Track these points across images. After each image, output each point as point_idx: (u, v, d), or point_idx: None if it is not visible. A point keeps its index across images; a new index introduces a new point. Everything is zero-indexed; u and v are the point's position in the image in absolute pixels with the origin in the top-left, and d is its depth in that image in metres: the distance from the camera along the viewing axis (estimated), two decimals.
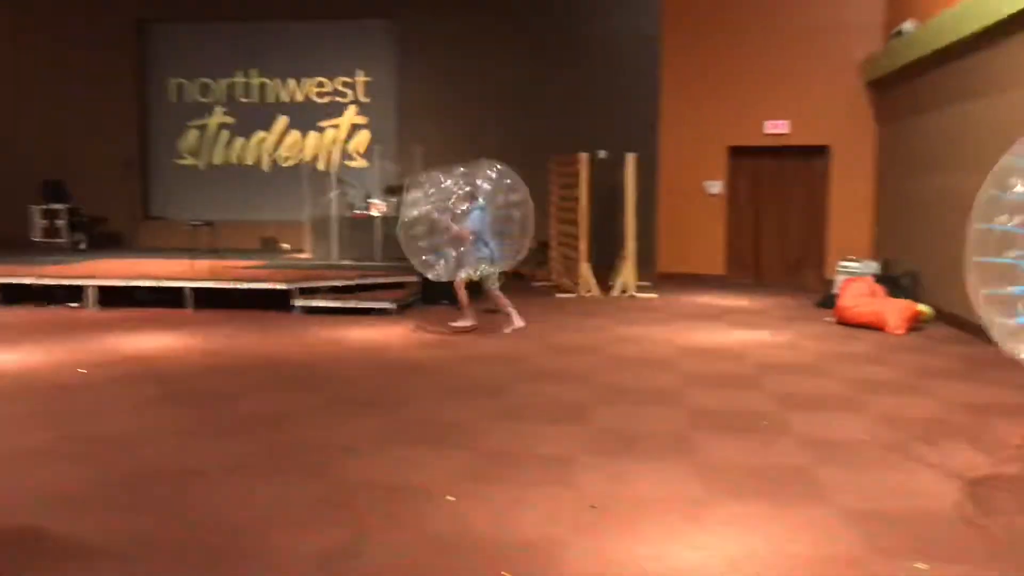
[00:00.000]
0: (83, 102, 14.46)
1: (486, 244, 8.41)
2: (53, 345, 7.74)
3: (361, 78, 14.39)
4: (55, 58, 14.46)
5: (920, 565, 3.27)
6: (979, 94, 8.66)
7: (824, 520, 3.74)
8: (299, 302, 9.64)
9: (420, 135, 13.40)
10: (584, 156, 11.55)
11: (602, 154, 11.78)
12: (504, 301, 8.71)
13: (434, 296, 10.28)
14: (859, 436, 5.05)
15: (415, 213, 8.65)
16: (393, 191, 12.41)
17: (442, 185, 8.64)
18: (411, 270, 10.29)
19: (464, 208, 8.45)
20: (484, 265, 8.46)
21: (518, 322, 8.62)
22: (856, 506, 3.90)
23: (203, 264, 10.78)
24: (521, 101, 13.64)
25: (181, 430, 5.15)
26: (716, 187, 12.94)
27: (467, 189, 8.46)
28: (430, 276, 8.76)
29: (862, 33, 12.24)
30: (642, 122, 13.03)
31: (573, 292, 11.50)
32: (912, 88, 10.77)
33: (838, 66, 12.37)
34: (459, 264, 8.54)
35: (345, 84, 14.44)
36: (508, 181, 8.51)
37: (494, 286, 8.64)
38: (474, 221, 8.37)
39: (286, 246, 13.65)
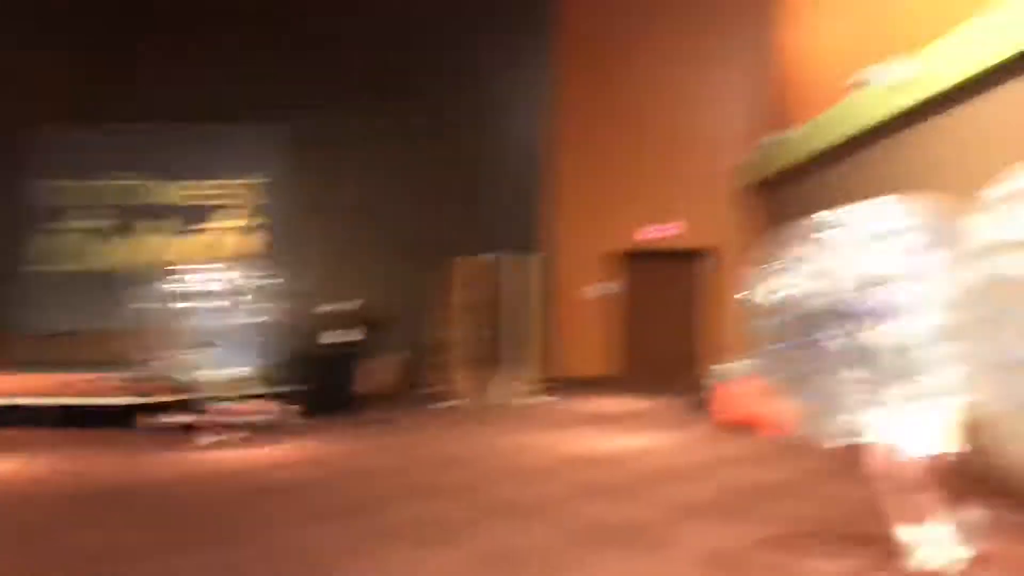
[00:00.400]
0: None
1: None
2: None
3: (247, 180, 13.89)
4: None
5: None
6: (846, 199, 8.88)
7: None
8: (155, 420, 8.84)
9: (309, 239, 12.95)
10: (480, 259, 11.35)
11: (496, 256, 11.62)
12: None
13: (315, 409, 9.66)
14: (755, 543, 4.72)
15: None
16: (281, 295, 11.82)
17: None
18: (290, 380, 9.68)
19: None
20: None
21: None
22: None
23: (49, 379, 9.83)
24: (413, 204, 13.36)
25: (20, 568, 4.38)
26: (607, 289, 12.91)
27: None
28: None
29: (737, 141, 12.70)
30: (532, 223, 12.99)
31: (460, 399, 11.05)
32: (787, 192, 11.09)
33: (717, 171, 12.76)
34: None
35: (229, 187, 13.90)
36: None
37: None
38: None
39: (148, 357, 12.69)
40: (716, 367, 10.80)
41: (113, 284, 13.61)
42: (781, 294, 4.16)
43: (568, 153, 13.09)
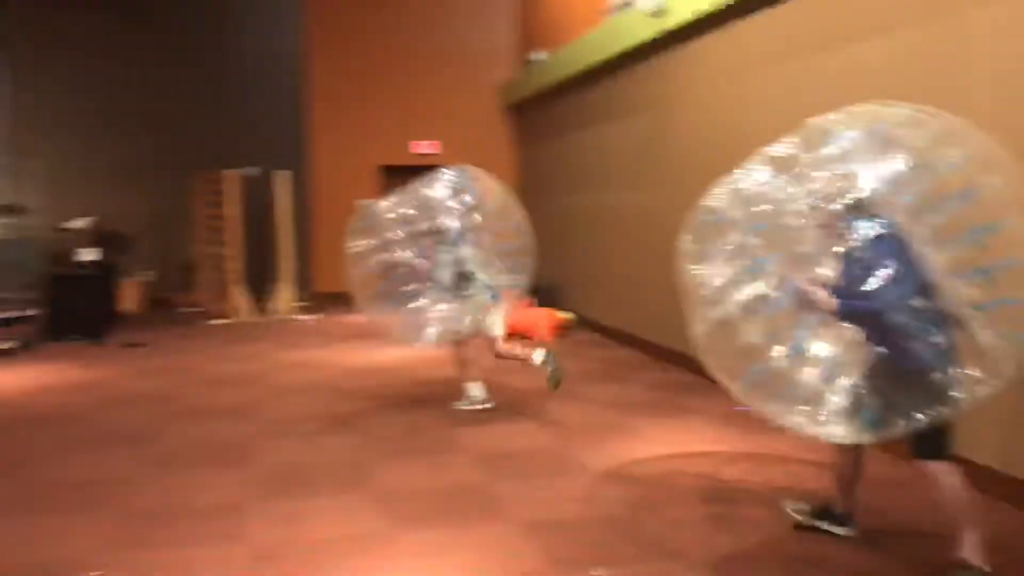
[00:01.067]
0: None
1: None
2: None
3: None
4: None
5: (597, 571, 3.41)
6: (604, 120, 9.56)
7: (507, 538, 3.77)
8: None
9: (37, 150, 11.78)
10: (232, 173, 10.93)
11: (251, 171, 11.23)
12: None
13: (62, 331, 9.07)
14: (529, 446, 5.23)
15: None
16: (5, 211, 10.80)
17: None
18: (34, 302, 9.04)
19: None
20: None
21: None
22: (534, 518, 4.00)
23: None
24: (156, 112, 12.51)
25: None
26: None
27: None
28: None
29: (498, 59, 13.04)
30: (292, 139, 12.66)
31: (227, 317, 10.79)
32: (546, 113, 11.64)
33: (479, 90, 13.05)
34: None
35: None
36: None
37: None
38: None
39: None
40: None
41: None
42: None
43: (325, 66, 12.79)
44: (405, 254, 5.91)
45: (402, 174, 13.20)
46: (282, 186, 11.10)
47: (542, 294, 10.54)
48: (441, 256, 5.84)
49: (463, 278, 5.86)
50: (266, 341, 9.33)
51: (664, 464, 4.87)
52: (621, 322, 9.03)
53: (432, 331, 5.76)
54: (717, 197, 3.62)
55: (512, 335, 9.09)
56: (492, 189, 6.19)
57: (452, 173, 6.05)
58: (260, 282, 11.16)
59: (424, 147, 12.93)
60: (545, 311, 9.53)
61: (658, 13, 7.73)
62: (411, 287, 5.86)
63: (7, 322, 8.87)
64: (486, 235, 6.04)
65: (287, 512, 4.10)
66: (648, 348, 8.24)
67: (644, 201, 8.50)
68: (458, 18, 13.24)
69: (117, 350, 8.72)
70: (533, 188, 12.40)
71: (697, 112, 7.51)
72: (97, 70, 12.32)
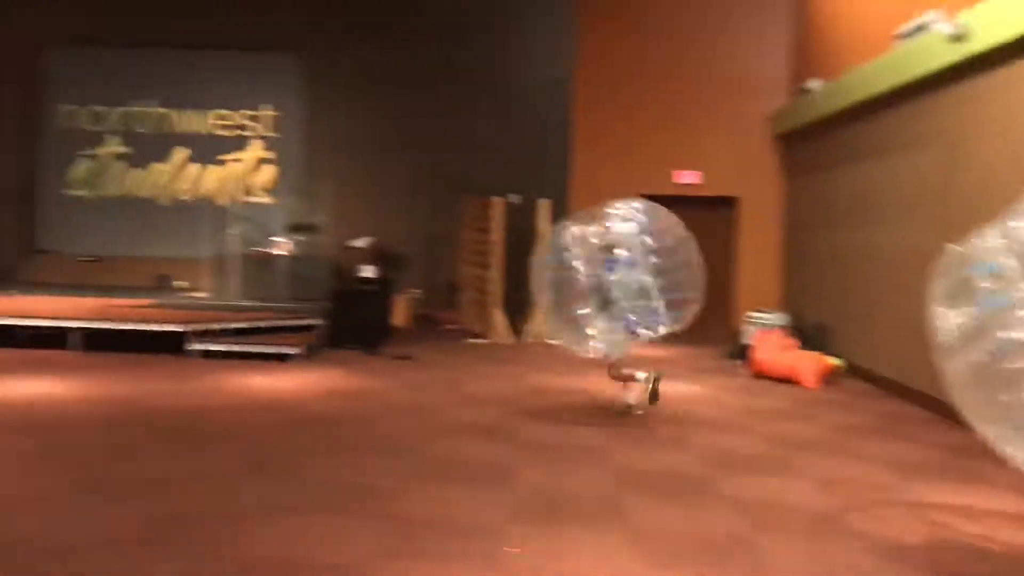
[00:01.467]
0: None
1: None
2: None
3: (267, 112, 13.86)
4: None
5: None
6: (885, 152, 8.87)
7: None
8: (195, 345, 9.02)
9: (328, 171, 13.01)
10: (498, 200, 11.37)
11: (514, 199, 11.62)
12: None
13: (341, 341, 9.85)
14: (797, 502, 4.88)
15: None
16: (298, 229, 11.96)
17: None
18: (318, 313, 9.86)
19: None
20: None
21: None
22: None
23: (91, 303, 10.02)
24: (433, 139, 13.38)
25: (55, 494, 4.55)
26: None
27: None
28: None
29: (769, 88, 12.54)
30: (555, 167, 12.96)
31: (486, 338, 11.20)
32: (819, 144, 11.02)
33: (747, 119, 12.62)
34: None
35: (250, 117, 13.88)
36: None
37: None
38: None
39: (182, 284, 12.89)
40: (752, 316, 10.75)
41: (145, 211, 13.77)
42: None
43: (590, 92, 12.93)
44: (582, 272, 6.44)
45: (663, 204, 13.13)
46: (543, 214, 11.37)
47: (807, 335, 9.94)
48: (607, 279, 6.37)
49: (612, 302, 6.37)
50: (521, 363, 9.55)
51: (952, 539, 4.32)
52: (899, 373, 8.26)
53: (599, 344, 6.46)
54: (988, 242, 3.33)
55: (774, 377, 8.66)
56: (671, 228, 6.61)
57: (638, 208, 6.60)
58: (518, 305, 11.49)
59: (687, 177, 12.70)
60: (811, 355, 8.95)
61: (960, 38, 7.05)
62: (582, 303, 6.43)
63: (295, 329, 9.75)
64: (653, 270, 6.41)
65: (543, 541, 4.07)
66: (931, 403, 7.45)
67: (928, 241, 7.73)
68: (730, 46, 12.87)
69: (387, 362, 9.31)
70: (802, 222, 11.77)
71: (998, 146, 6.74)
72: (380, 99, 13.40)
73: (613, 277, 6.35)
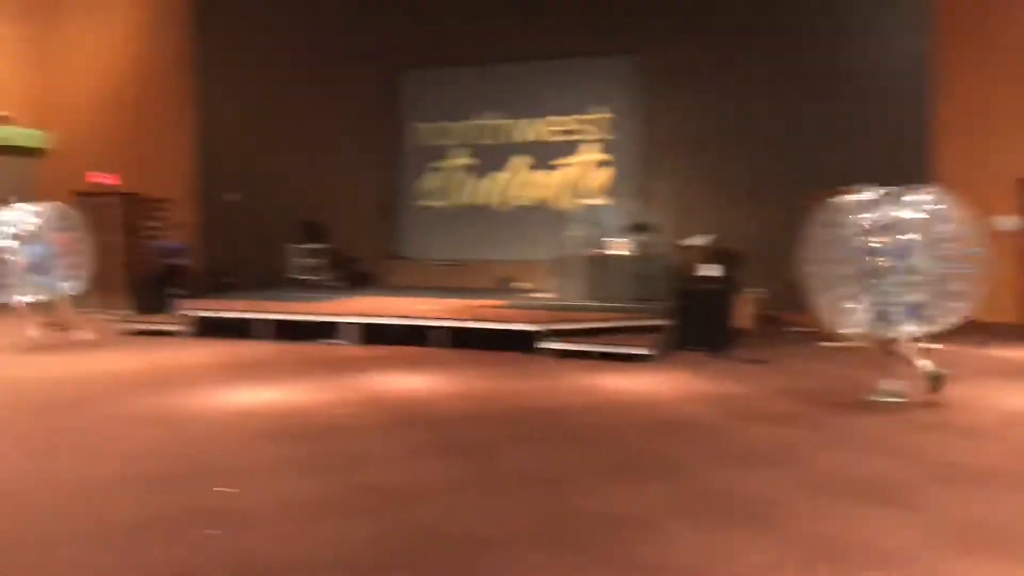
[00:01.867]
0: (338, 146, 15.08)
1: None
2: (316, 382, 7.80)
3: (601, 115, 14.03)
4: (315, 105, 15.19)
5: None
6: None
7: None
8: (546, 344, 9.29)
9: (665, 171, 12.89)
10: (847, 192, 10.46)
11: (864, 190, 10.61)
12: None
13: (687, 342, 9.63)
14: None
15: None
16: (637, 228, 11.92)
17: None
18: (663, 313, 9.73)
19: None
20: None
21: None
22: None
23: (453, 303, 10.76)
24: (772, 135, 12.72)
25: (450, 486, 4.79)
26: (1010, 223, 11.33)
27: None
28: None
29: None
30: (911, 152, 11.71)
31: (840, 341, 10.34)
32: None
33: None
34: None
35: (585, 122, 14.13)
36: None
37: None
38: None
39: (524, 285, 13.44)
40: None
41: (488, 218, 14.59)
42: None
43: (956, 74, 11.49)
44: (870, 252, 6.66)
45: None
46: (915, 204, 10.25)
47: None
48: (896, 262, 6.54)
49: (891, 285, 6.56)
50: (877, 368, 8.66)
51: None
52: None
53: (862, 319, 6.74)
54: None
55: None
56: (959, 218, 6.57)
57: (930, 195, 6.67)
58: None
59: None
60: None
61: None
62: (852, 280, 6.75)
63: (641, 330, 9.68)
64: (932, 259, 6.56)
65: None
66: None
67: None
68: None
69: (739, 365, 8.92)
70: None
71: None
72: (716, 96, 12.99)
73: (901, 262, 6.62)
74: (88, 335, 10.40)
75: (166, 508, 4.42)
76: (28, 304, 9.99)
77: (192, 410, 6.74)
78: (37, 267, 9.91)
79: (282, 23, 15.41)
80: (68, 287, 10.14)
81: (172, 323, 11.12)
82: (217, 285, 13.57)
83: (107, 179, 15.29)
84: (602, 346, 9.19)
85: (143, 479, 4.93)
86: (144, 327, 11.29)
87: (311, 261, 14.29)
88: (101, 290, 11.71)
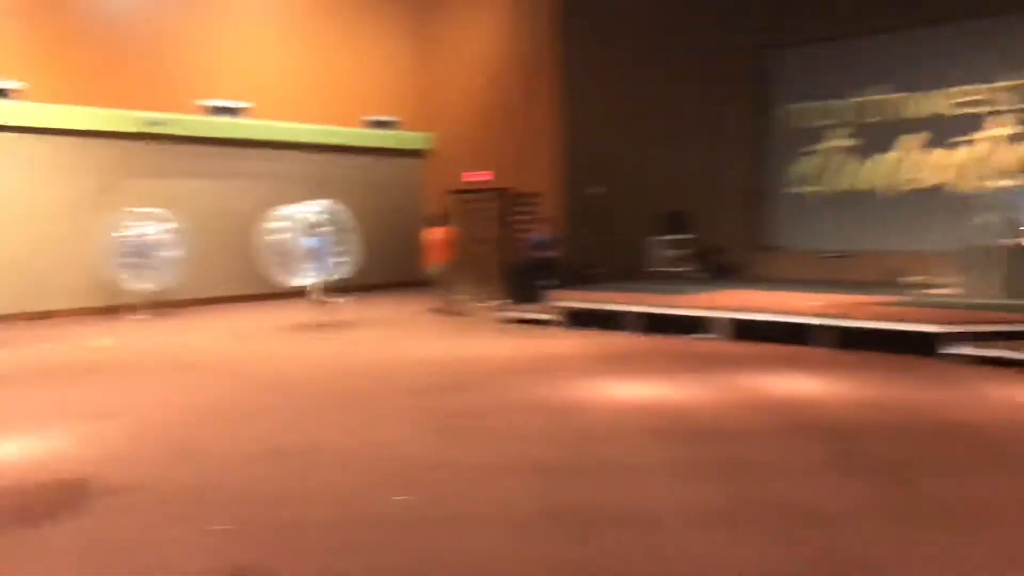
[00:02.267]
0: (702, 134, 14.58)
1: None
2: (693, 379, 7.50)
3: (1017, 82, 11.96)
4: (677, 94, 14.84)
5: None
6: None
7: None
8: (953, 349, 8.09)
9: None
10: None
11: None
12: None
13: None
14: None
15: None
16: None
17: None
18: None
19: None
20: None
21: None
22: None
23: (834, 299, 9.85)
24: None
25: (863, 511, 4.17)
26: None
27: None
28: None
29: None
30: None
31: None
32: None
33: None
34: None
35: (996, 90, 12.13)
36: None
37: None
38: None
39: (917, 280, 11.92)
40: None
41: (872, 203, 13.26)
42: None
43: None
44: None
45: None
46: None
47: None
48: None
49: None
50: None
51: None
52: None
53: None
54: None
55: None
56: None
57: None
58: None
59: None
60: None
61: None
62: None
63: None
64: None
65: None
66: None
67: None
68: None
69: None
70: None
71: None
72: None
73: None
74: (336, 312, 12.11)
75: (568, 502, 4.37)
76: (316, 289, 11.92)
77: (576, 401, 6.77)
78: (314, 255, 11.77)
79: (642, 15, 15.28)
80: (338, 272, 11.91)
81: (545, 313, 11.48)
82: (583, 277, 13.83)
83: (481, 176, 16.33)
84: None
85: (542, 469, 4.95)
86: (519, 316, 11.79)
87: (675, 252, 14.02)
88: (476, 280, 12.48)
